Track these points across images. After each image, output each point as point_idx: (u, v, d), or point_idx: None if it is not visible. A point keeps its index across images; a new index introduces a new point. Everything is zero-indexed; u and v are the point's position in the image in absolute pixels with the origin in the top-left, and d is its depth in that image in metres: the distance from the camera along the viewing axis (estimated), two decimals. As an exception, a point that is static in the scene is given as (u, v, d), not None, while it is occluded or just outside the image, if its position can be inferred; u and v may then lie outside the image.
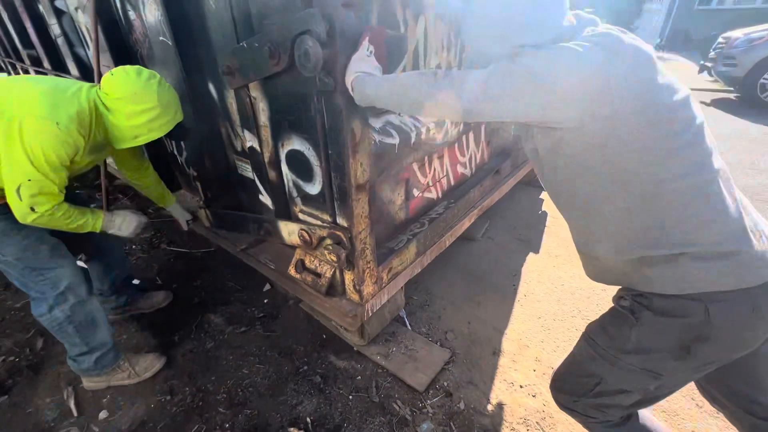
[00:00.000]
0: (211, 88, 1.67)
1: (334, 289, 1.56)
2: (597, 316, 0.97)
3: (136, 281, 2.13)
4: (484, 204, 2.27)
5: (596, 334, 0.93)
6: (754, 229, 0.75)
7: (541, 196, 3.08)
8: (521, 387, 1.57)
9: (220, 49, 1.42)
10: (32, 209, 1.18)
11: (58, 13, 2.51)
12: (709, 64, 5.81)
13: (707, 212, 0.74)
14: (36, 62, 3.63)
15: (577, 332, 1.79)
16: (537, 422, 1.44)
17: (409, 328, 1.86)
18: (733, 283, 0.72)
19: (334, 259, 1.36)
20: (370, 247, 1.44)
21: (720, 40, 5.65)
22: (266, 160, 1.49)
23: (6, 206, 1.24)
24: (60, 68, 3.03)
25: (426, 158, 1.78)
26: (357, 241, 1.36)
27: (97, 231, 1.40)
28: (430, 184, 1.92)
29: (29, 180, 1.15)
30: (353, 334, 1.74)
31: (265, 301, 2.07)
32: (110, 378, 1.58)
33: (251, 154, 1.57)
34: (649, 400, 0.93)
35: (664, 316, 0.79)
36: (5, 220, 1.27)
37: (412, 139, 1.52)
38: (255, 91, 1.37)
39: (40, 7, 2.88)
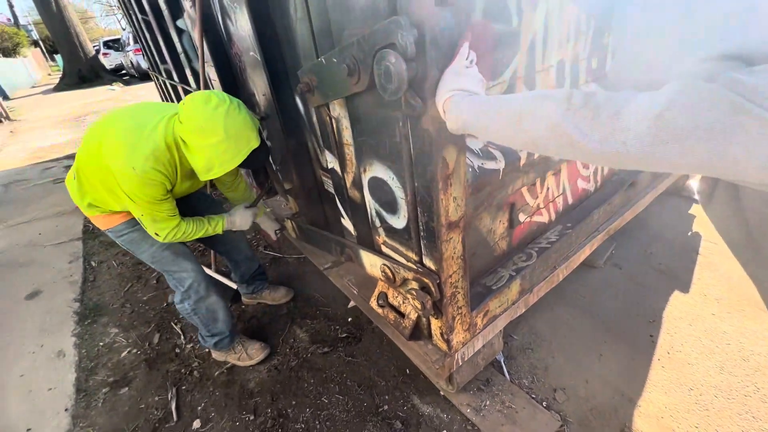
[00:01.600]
0: (298, 102, 1.58)
1: (419, 331, 1.36)
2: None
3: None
4: (611, 227, 1.81)
5: None
6: None
7: (691, 211, 2.39)
8: (663, 491, 1.18)
9: (303, 63, 1.30)
10: (156, 234, 1.39)
11: (179, 32, 2.73)
12: None
13: None
14: (169, 75, 4.14)
15: (755, 422, 1.28)
16: None
17: (508, 377, 1.57)
18: None
19: (419, 306, 1.15)
20: (463, 291, 1.19)
21: None
22: (347, 183, 1.35)
23: (135, 220, 1.43)
24: (184, 81, 3.38)
25: (538, 178, 1.44)
26: (446, 286, 1.13)
27: (221, 233, 1.58)
28: (542, 206, 1.57)
29: (142, 215, 1.33)
30: (440, 380, 1.52)
31: (349, 319, 1.99)
32: (227, 356, 1.81)
33: (332, 176, 1.45)
34: None
35: None
36: (137, 231, 1.47)
37: (522, 161, 1.21)
38: (339, 108, 1.22)
39: (169, 27, 3.22)
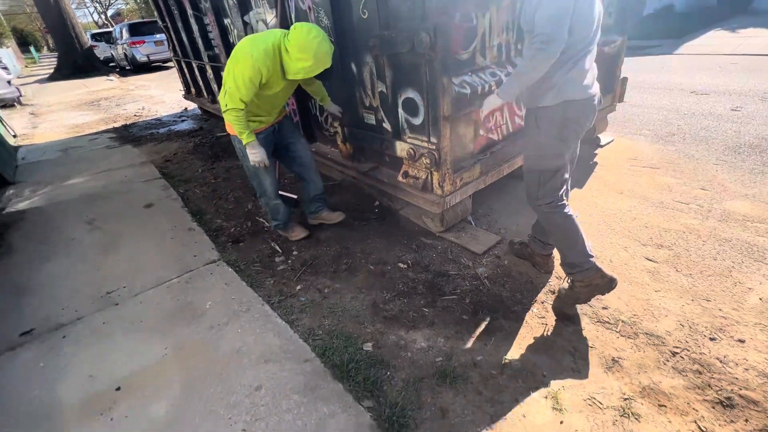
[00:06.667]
0: (353, 66, 2.69)
1: (426, 187, 2.50)
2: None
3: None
4: (537, 148, 3.01)
5: (526, 149, 1.77)
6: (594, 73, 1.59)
7: (595, 152, 3.65)
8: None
9: (366, 35, 2.38)
10: (226, 105, 2.10)
11: (245, 24, 3.79)
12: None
13: (579, 71, 1.57)
14: (212, 59, 5.16)
15: (598, 233, 2.50)
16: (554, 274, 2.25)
17: (474, 224, 2.74)
18: (580, 95, 1.57)
19: (428, 162, 2.30)
20: (449, 159, 2.35)
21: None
22: (390, 99, 2.47)
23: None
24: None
25: (489, 107, 2.61)
26: (442, 152, 2.28)
27: (244, 144, 2.22)
28: (493, 128, 2.74)
29: (229, 87, 2.07)
30: (435, 222, 2.68)
31: (376, 210, 3.11)
32: (286, 233, 2.81)
33: (381, 96, 2.55)
34: (566, 176, 1.78)
35: (549, 118, 1.63)
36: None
37: (479, 92, 2.38)
38: (387, 61, 2.35)
39: (225, 21, 4.28)
